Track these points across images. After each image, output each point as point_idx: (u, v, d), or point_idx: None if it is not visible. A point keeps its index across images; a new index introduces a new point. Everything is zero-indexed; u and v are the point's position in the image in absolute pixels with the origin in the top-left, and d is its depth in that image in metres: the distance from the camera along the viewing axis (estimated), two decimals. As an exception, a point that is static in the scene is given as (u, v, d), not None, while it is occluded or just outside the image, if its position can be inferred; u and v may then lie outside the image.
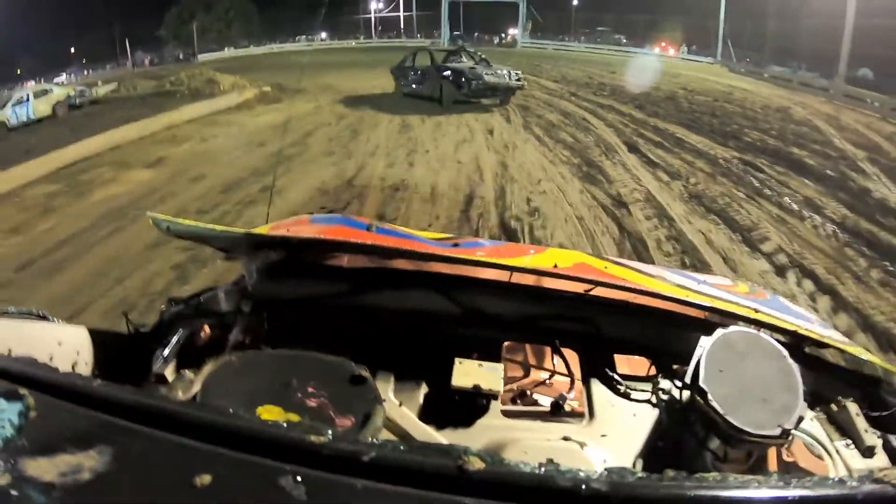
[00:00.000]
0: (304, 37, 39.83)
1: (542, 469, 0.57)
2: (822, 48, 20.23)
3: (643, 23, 33.20)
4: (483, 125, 10.67)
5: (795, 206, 6.33)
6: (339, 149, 9.04)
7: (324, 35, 40.86)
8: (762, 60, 23.81)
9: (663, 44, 32.03)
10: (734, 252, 5.08)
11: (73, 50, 33.54)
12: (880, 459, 1.09)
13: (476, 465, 0.56)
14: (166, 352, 1.18)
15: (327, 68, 18.87)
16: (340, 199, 6.55)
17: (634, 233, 5.49)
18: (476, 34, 38.47)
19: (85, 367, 1.03)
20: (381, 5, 44.98)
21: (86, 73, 30.09)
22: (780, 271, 4.69)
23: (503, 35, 37.04)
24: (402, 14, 43.84)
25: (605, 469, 0.59)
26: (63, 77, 27.71)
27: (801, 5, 23.08)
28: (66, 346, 1.01)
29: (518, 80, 12.82)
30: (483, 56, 13.90)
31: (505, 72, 12.73)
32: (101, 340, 1.14)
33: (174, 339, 1.22)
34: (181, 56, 34.67)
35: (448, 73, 12.46)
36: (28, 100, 14.59)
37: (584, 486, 0.55)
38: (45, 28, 26.82)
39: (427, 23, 41.25)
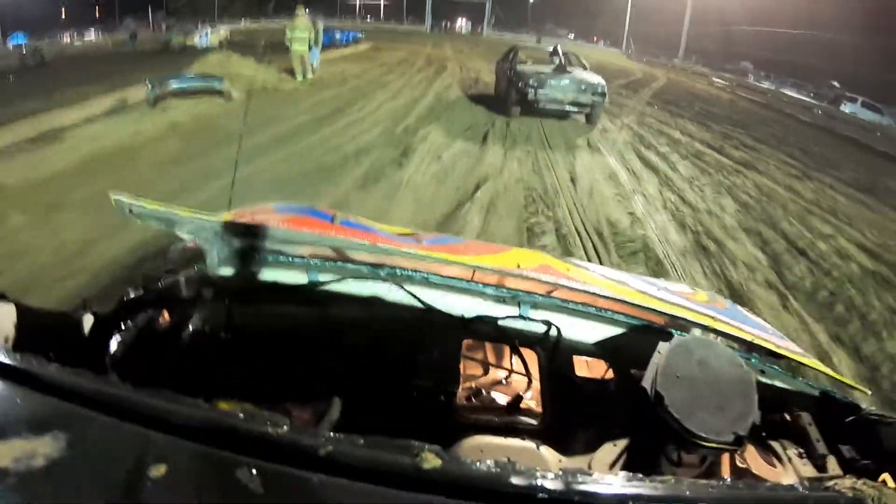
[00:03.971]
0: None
1: (498, 468, 0.61)
2: (677, 42, 35.93)
3: (579, 23, 48.66)
4: (486, 68, 24.62)
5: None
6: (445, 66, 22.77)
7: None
8: (646, 49, 39.02)
9: (595, 38, 47.51)
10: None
11: (63, 16, 42.56)
12: (831, 468, 1.16)
13: (432, 462, 0.60)
14: (124, 337, 1.23)
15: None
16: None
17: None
18: (445, 24, 52.18)
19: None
20: (362, -8, 58.29)
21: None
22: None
23: (479, 27, 50.86)
24: (382, 1, 57.36)
25: (560, 469, 0.64)
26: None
27: (672, 15, 38.57)
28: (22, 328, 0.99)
29: None
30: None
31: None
32: (59, 324, 1.16)
33: (133, 325, 1.26)
34: (199, 24, 45.38)
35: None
36: (206, 35, 27.23)
37: (538, 486, 0.60)
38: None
39: (398, 11, 54.76)
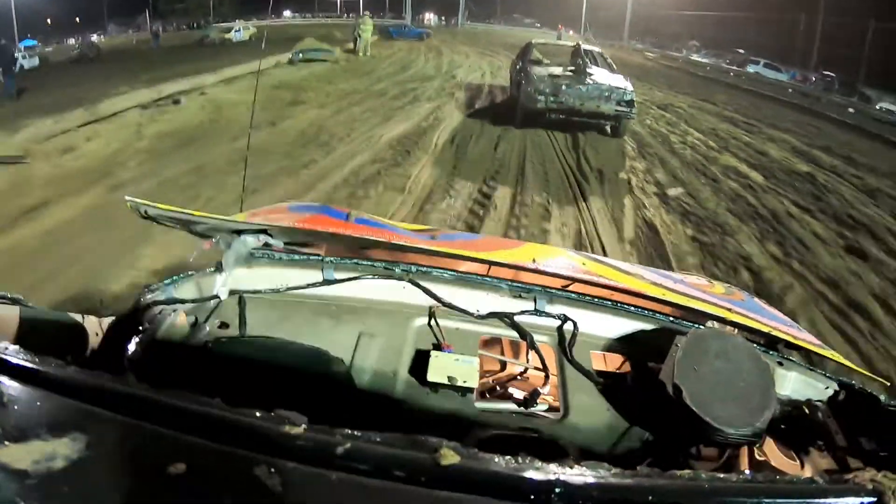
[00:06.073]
0: (294, 13, 59.75)
1: (516, 463, 0.63)
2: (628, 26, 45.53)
3: (544, 12, 58.06)
4: (471, 52, 33.40)
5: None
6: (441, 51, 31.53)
7: (287, 12, 60.21)
8: (601, 33, 48.44)
9: (560, 26, 56.78)
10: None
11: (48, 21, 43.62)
12: (851, 461, 1.18)
13: (450, 458, 0.62)
14: (141, 339, 1.28)
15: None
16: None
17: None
18: (420, 18, 59.79)
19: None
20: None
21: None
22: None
23: (452, 19, 58.95)
24: (361, -1, 65.25)
25: (579, 463, 0.65)
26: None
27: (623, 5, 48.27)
28: (39, 331, 1.03)
29: None
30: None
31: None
32: (76, 326, 1.23)
33: (149, 326, 1.32)
34: (196, 25, 48.55)
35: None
36: (240, 30, 34.88)
37: (556, 480, 0.61)
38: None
39: (373, 4, 60.63)
